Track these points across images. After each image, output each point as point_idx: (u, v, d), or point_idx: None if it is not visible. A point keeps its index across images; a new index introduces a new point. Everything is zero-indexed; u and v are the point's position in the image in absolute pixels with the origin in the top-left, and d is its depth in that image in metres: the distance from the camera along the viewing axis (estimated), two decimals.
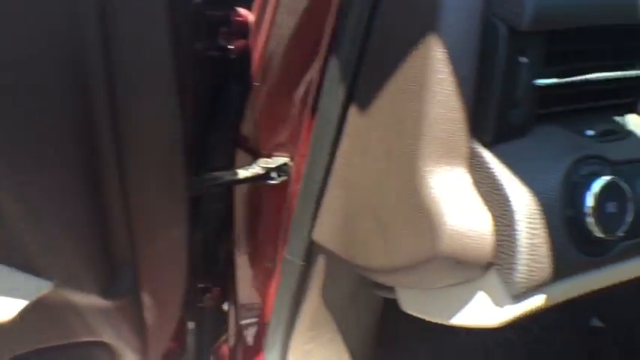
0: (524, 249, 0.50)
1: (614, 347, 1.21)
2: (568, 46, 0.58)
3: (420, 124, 0.53)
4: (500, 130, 0.53)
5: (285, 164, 0.74)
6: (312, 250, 0.71)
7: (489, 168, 0.52)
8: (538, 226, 0.51)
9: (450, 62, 0.51)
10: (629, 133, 0.61)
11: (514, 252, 0.50)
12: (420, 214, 0.53)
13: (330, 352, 0.83)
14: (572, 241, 0.52)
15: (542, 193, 0.51)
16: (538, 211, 0.50)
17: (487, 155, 0.53)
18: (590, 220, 0.52)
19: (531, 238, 0.50)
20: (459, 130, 0.52)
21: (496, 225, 0.51)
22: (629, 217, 0.54)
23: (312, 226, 0.67)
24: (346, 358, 0.83)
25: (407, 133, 0.54)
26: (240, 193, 0.86)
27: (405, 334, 1.12)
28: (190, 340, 0.99)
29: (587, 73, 0.58)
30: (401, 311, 0.64)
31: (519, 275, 0.50)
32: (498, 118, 0.53)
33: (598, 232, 0.52)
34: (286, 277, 0.74)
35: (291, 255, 0.72)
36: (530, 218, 0.51)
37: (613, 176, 0.53)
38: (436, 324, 0.60)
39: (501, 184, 0.51)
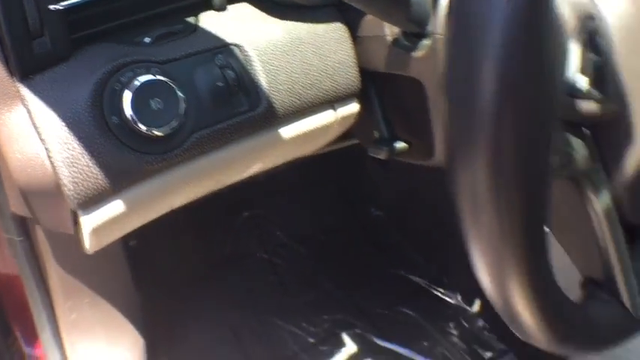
0: (61, 164, 0.52)
1: (392, 231, 1.35)
2: None
3: None
4: (30, 62, 0.53)
5: None
6: (25, 223, 0.71)
7: (26, 103, 0.53)
8: (73, 141, 0.52)
9: None
10: (195, 30, 0.62)
11: (56, 173, 0.52)
12: None
13: (95, 315, 0.84)
14: (127, 146, 0.54)
15: (74, 109, 0.53)
16: (70, 128, 0.52)
17: (23, 90, 0.53)
18: (134, 122, 0.53)
19: (68, 151, 0.52)
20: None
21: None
22: (181, 110, 0.56)
23: (6, 199, 0.66)
24: (114, 314, 0.85)
25: None
26: None
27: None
28: None
29: None
30: None
31: (67, 191, 0.53)
32: (22, 52, 0.53)
33: (147, 131, 0.54)
34: (17, 255, 0.74)
35: (8, 233, 0.73)
36: (61, 137, 0.52)
37: (155, 75, 0.55)
38: None
39: (35, 116, 0.52)
